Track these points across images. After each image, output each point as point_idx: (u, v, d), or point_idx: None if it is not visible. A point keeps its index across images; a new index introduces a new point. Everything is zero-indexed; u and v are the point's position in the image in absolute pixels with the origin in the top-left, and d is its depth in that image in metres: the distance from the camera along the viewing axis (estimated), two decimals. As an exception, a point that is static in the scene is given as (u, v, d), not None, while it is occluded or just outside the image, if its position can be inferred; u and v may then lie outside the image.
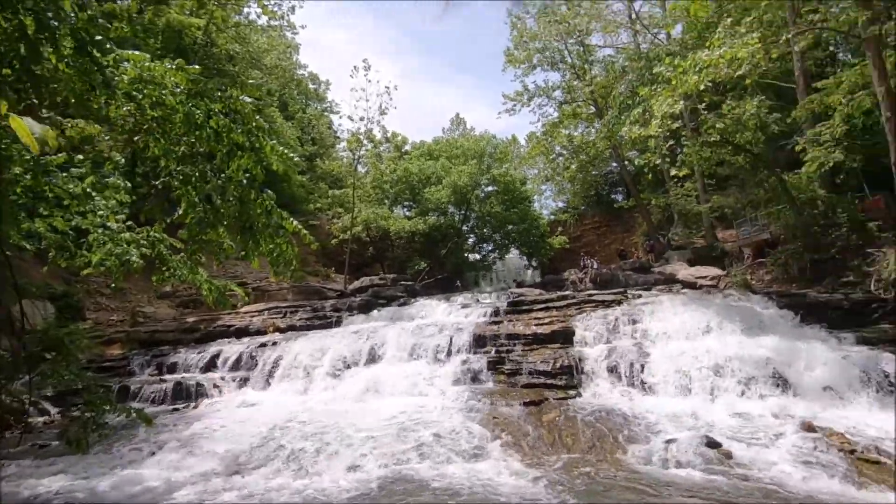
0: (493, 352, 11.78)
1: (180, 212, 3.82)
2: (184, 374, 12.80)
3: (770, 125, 15.14)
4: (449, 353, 12.07)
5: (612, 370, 10.38)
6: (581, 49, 25.04)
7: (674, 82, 10.79)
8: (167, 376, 12.67)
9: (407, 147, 36.58)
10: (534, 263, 34.19)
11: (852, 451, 6.36)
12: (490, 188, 29.82)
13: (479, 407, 9.35)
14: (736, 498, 5.46)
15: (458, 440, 7.71)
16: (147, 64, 3.63)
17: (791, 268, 15.45)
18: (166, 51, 17.15)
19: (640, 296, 14.45)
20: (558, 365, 10.62)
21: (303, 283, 21.90)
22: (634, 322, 12.00)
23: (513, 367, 11.10)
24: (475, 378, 11.11)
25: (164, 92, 3.69)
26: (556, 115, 27.26)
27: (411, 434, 7.91)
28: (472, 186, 27.77)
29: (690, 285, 17.12)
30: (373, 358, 12.52)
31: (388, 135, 35.59)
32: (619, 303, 13.73)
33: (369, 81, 22.41)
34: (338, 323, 16.30)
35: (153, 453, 7.68)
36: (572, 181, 32.20)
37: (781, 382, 9.03)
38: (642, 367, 10.06)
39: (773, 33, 13.40)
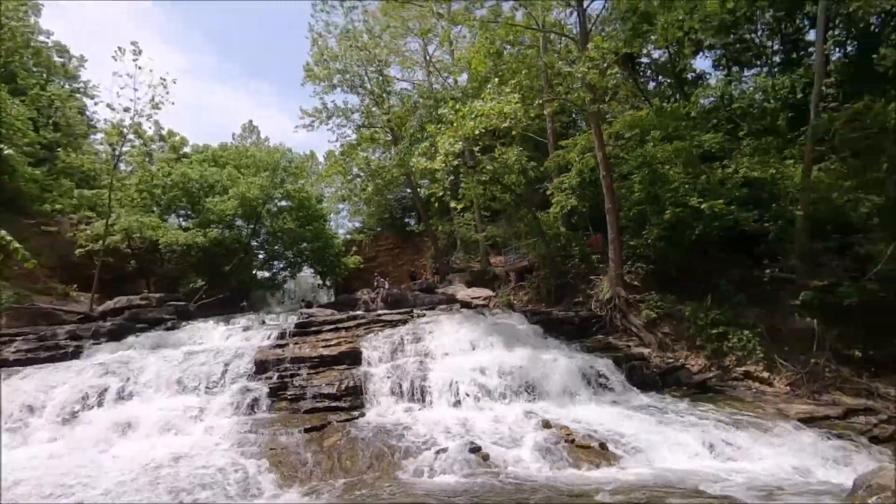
0: (275, 377, 11.14)
1: None
2: None
3: (529, 171, 18.26)
4: (224, 383, 10.94)
5: (396, 388, 10.82)
6: (380, 78, 26.19)
7: (455, 124, 12.19)
8: None
9: (187, 149, 32.37)
10: (328, 283, 33.67)
11: (573, 441, 7.91)
12: (284, 203, 28.41)
13: (256, 439, 8.68)
14: (483, 494, 6.22)
15: (228, 480, 6.98)
16: None
17: (541, 290, 18.69)
18: None
19: (424, 315, 15.50)
20: (344, 387, 10.62)
21: (26, 305, 17.16)
22: (417, 340, 12.80)
23: (297, 392, 10.67)
24: (254, 407, 10.31)
25: None
26: (354, 137, 27.78)
27: (170, 481, 6.85)
28: (264, 200, 25.99)
29: (467, 305, 19.14)
30: (124, 394, 10.52)
31: (164, 133, 31.09)
32: (405, 322, 14.50)
33: (139, 68, 19.04)
34: (76, 354, 13.20)
35: None
36: (368, 203, 33.09)
37: (531, 388, 10.72)
38: (422, 382, 10.75)
39: (532, 97, 16.33)
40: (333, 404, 10.30)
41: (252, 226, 27.20)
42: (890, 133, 11.58)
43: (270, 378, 11.12)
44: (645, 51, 21.69)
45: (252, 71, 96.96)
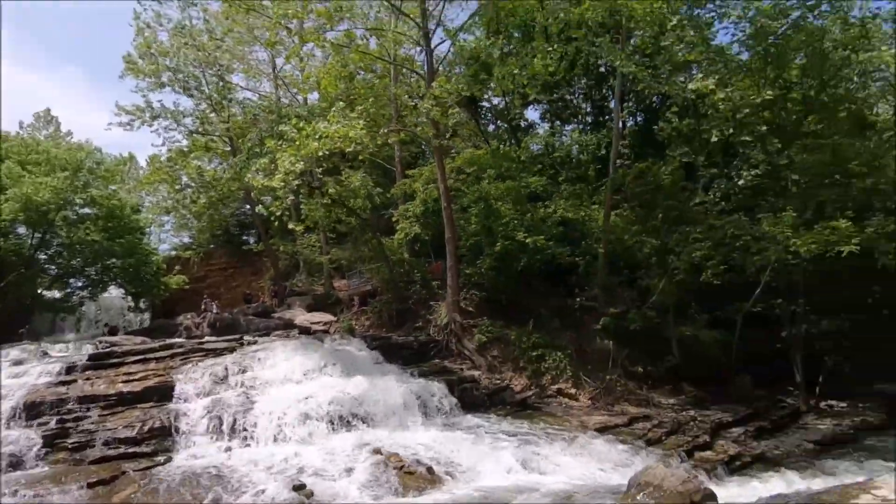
0: (53, 422, 9.22)
1: None
2: None
3: (375, 196, 18.46)
4: (-27, 434, 8.61)
5: (215, 425, 9.76)
6: (221, 84, 24.07)
7: (298, 143, 11.77)
8: None
9: (-51, 134, 25.58)
10: (142, 305, 29.13)
11: (402, 467, 7.95)
12: (87, 210, 23.92)
13: (15, 504, 6.95)
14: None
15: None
16: None
17: (384, 315, 18.79)
18: None
19: (255, 342, 14.32)
20: (147, 428, 9.21)
21: None
22: (244, 371, 11.74)
23: (82, 438, 8.94)
24: (18, 463, 8.34)
25: None
26: (185, 143, 24.92)
27: None
28: (59, 205, 21.56)
29: (305, 330, 18.27)
30: None
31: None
32: (233, 350, 13.21)
33: None
34: None
35: None
36: (199, 217, 29.79)
37: (365, 416, 10.53)
38: (246, 417, 9.85)
39: (382, 124, 16.65)
40: (132, 450, 8.84)
41: (40, 235, 22.39)
42: (664, 190, 14.47)
43: (46, 424, 9.17)
44: (486, 96, 23.79)
45: (63, 55, 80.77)
